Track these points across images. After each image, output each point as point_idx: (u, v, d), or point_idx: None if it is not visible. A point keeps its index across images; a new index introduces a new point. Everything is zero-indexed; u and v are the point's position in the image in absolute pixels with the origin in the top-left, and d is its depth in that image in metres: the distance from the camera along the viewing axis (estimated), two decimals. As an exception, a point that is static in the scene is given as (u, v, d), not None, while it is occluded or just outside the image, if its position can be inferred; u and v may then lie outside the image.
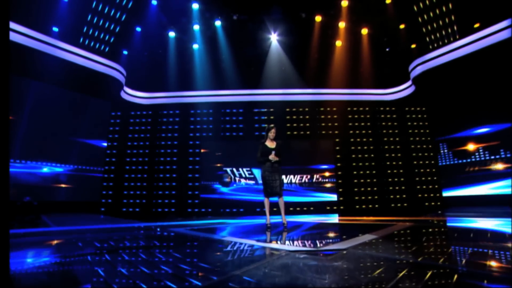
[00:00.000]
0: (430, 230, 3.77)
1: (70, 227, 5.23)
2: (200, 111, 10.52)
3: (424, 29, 8.79)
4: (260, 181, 8.77)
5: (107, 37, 8.81)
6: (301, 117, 10.69)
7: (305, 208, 9.96)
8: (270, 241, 3.11)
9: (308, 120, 10.62)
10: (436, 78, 9.36)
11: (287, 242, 2.99)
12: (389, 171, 10.31)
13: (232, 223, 6.15)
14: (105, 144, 9.78)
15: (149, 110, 10.41)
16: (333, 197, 10.10)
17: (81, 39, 8.34)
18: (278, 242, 3.02)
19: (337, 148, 10.56)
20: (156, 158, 10.14)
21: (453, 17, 8.60)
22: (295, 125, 10.61)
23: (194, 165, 10.24)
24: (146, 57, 9.89)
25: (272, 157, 4.54)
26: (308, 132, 10.55)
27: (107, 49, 8.85)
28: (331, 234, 3.88)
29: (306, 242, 3.07)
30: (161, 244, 3.04)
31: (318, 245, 2.74)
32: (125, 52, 9.49)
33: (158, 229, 4.72)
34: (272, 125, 4.81)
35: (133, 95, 10.40)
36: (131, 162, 10.08)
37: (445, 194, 9.22)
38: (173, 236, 3.85)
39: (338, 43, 9.27)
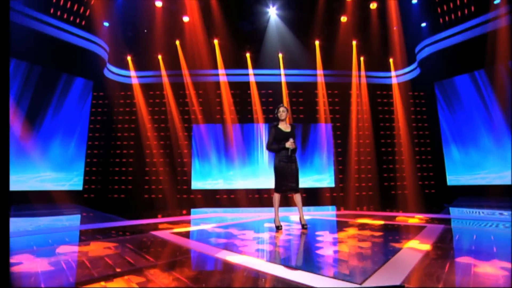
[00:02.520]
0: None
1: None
2: (192, 92, 9.36)
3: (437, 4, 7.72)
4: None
5: (82, 6, 7.46)
6: (300, 99, 9.67)
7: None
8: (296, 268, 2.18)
9: (306, 103, 9.60)
10: (444, 60, 8.44)
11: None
12: (390, 158, 9.51)
13: (228, 218, 5.29)
14: (87, 126, 8.63)
15: (137, 90, 9.21)
16: (331, 184, 9.33)
17: (53, 9, 7.00)
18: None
19: (338, 133, 9.67)
20: (147, 142, 9.05)
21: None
22: (294, 108, 9.60)
23: (185, 150, 9.24)
24: (130, 31, 8.58)
25: (290, 144, 3.64)
26: (303, 115, 9.54)
27: (84, 20, 7.52)
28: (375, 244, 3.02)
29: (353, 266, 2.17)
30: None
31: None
32: (106, 24, 8.15)
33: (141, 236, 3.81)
34: (281, 104, 3.86)
35: (119, 73, 9.17)
36: (115, 146, 8.98)
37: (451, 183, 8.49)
38: (151, 243, 2.95)
39: (343, 18, 8.13)
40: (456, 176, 8.38)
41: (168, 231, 3.85)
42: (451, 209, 6.16)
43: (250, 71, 9.41)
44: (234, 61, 9.25)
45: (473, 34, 7.84)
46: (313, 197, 8.91)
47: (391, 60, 9.65)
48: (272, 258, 2.45)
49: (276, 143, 3.70)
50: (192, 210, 7.74)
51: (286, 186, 3.64)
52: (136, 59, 9.11)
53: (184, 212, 7.67)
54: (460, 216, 5.07)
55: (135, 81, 9.20)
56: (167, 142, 9.13)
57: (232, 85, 9.37)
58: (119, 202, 8.66)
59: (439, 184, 8.73)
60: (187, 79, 9.28)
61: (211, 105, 9.32)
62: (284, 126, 3.81)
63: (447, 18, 8.14)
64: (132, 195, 8.78)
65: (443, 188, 8.60)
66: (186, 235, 3.71)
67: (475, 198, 7.56)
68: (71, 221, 5.37)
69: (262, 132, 9.51)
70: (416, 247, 2.62)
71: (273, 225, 3.87)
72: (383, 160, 9.53)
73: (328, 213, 6.30)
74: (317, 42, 8.98)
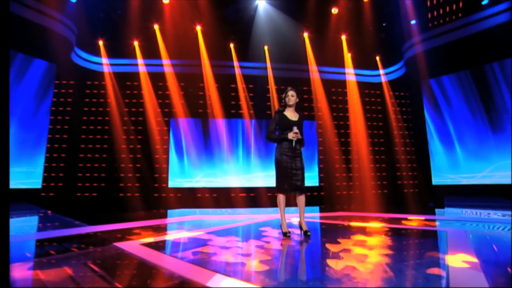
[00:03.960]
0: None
1: None
2: (170, 84, 8.42)
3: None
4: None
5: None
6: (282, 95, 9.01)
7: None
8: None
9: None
10: (432, 60, 8.17)
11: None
12: (371, 157, 9.11)
13: (213, 222, 4.52)
14: (49, 117, 7.44)
15: (110, 79, 8.12)
16: (314, 183, 8.79)
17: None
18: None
19: (319, 131, 9.14)
20: (121, 136, 7.99)
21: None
22: (268, 103, 8.90)
23: (163, 146, 8.30)
24: (102, 11, 7.51)
25: (293, 135, 2.97)
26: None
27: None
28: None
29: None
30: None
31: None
32: (73, 0, 7.04)
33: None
34: (290, 88, 3.17)
35: (89, 60, 8.05)
36: (84, 140, 7.86)
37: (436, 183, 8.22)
38: (110, 264, 2.14)
39: (334, 10, 7.59)
40: (441, 175, 8.13)
41: (138, 241, 3.04)
42: (444, 209, 5.80)
43: (235, 63, 8.64)
44: (220, 52, 8.43)
45: (462, 34, 7.61)
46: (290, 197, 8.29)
47: (377, 58, 9.28)
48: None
49: (278, 132, 3.01)
50: (169, 211, 6.87)
51: (289, 185, 2.96)
52: (109, 45, 8.04)
53: (161, 211, 6.81)
54: (460, 217, 4.64)
55: (107, 69, 8.13)
56: (143, 136, 8.14)
57: (217, 78, 8.55)
58: (86, 201, 7.58)
59: (424, 183, 8.44)
60: (167, 70, 8.34)
61: (192, 98, 8.45)
62: (291, 114, 3.13)
63: (436, 12, 7.85)
64: (102, 194, 7.72)
65: (428, 187, 8.32)
66: (162, 246, 2.92)
67: (461, 197, 7.31)
68: (18, 227, 4.35)
69: (249, 128, 8.80)
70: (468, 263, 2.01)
71: (273, 231, 3.19)
72: (368, 159, 9.12)
73: (314, 214, 5.69)
74: (306, 34, 8.38)
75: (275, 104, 8.76)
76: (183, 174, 8.34)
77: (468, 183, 7.51)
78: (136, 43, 8.14)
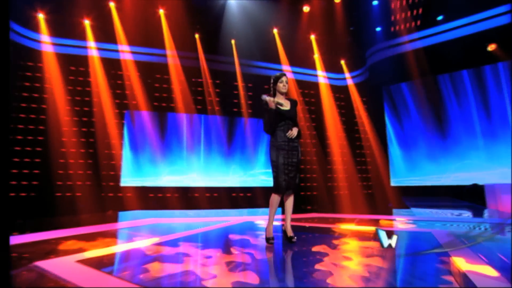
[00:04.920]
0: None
1: None
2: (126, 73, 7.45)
3: (393, 9, 7.55)
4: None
5: None
6: (249, 93, 8.59)
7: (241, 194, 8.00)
8: None
9: (254, 97, 8.57)
10: (393, 67, 8.42)
11: None
12: (334, 159, 9.12)
13: (176, 227, 3.85)
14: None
15: (51, 60, 6.88)
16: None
17: None
18: None
19: None
20: (62, 128, 6.79)
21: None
22: (235, 101, 8.42)
23: (116, 140, 7.28)
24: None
25: (291, 134, 2.62)
26: (251, 110, 8.51)
27: None
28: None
29: None
30: None
31: None
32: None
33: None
34: (282, 73, 2.72)
35: (26, 35, 6.72)
36: (15, 130, 6.51)
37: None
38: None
39: (306, 8, 7.36)
40: (399, 177, 8.39)
41: (73, 256, 2.30)
42: (410, 210, 5.85)
43: (201, 55, 7.98)
44: (186, 42, 7.70)
45: (420, 45, 7.94)
46: (261, 197, 7.92)
47: (343, 61, 9.34)
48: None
49: (275, 122, 2.57)
50: (121, 213, 5.98)
51: (287, 182, 2.58)
52: (52, 20, 6.81)
53: (110, 212, 5.90)
54: (428, 217, 4.62)
55: (48, 49, 6.87)
56: (91, 129, 7.04)
57: (181, 69, 7.79)
58: (18, 202, 6.26)
59: (383, 185, 8.64)
60: (124, 56, 7.36)
61: (153, 90, 7.58)
62: (283, 102, 2.68)
63: (398, 22, 8.08)
64: (39, 193, 6.46)
65: (386, 188, 8.53)
66: (108, 263, 2.24)
67: (417, 198, 7.58)
68: None
69: (214, 125, 8.20)
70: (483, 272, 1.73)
71: (247, 237, 2.69)
72: (328, 161, 9.08)
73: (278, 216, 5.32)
74: (275, 31, 8.06)
75: (242, 101, 8.29)
76: (139, 172, 7.43)
77: (422, 185, 7.82)
78: (86, 22, 7.03)
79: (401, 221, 4.35)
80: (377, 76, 8.87)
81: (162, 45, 7.55)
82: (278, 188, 2.57)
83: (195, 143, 8.04)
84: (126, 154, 7.37)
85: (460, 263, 1.96)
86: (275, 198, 2.60)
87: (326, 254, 2.31)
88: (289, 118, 2.61)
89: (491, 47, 7.23)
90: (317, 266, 1.97)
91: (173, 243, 2.85)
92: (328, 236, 3.18)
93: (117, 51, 7.31)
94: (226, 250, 2.55)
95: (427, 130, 8.01)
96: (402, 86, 8.54)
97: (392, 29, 8.17)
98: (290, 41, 8.27)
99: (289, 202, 2.64)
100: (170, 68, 7.68)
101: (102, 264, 2.17)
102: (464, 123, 7.44)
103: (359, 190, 8.73)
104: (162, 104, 7.74)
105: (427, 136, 7.99)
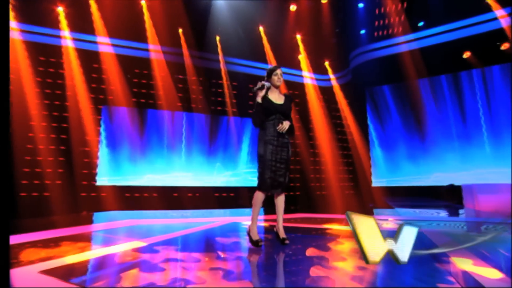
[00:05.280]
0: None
1: None
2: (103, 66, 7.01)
3: (377, 13, 7.65)
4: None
5: None
6: (234, 91, 8.41)
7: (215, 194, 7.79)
8: None
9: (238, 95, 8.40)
10: (375, 70, 8.55)
11: None
12: (317, 159, 9.13)
13: (152, 229, 3.59)
14: None
15: (18, 49, 6.31)
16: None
17: None
18: None
19: None
20: (29, 122, 6.25)
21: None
22: (219, 99, 8.22)
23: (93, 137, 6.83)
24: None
25: (281, 128, 2.44)
26: (235, 109, 8.33)
27: None
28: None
29: None
30: None
31: None
32: None
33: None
34: (277, 66, 2.56)
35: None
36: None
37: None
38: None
39: (293, 7, 7.29)
40: (381, 178, 8.53)
41: (38, 265, 2.02)
42: (395, 210, 5.92)
43: (186, 51, 7.69)
44: (169, 36, 7.39)
45: (402, 49, 8.11)
46: (245, 197, 7.74)
47: (327, 62, 9.38)
48: None
49: (265, 115, 2.41)
50: (97, 214, 5.58)
51: (273, 181, 2.39)
52: (21, 5, 6.25)
53: (84, 213, 5.51)
54: (415, 217, 4.66)
55: (16, 36, 6.30)
56: (62, 125, 6.54)
57: (166, 65, 7.47)
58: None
59: (366, 185, 8.74)
60: (103, 48, 6.93)
61: (133, 85, 7.20)
62: (276, 96, 2.56)
63: (382, 26, 8.22)
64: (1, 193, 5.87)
65: (368, 189, 8.64)
66: (79, 272, 1.97)
67: (398, 198, 7.71)
68: None
69: (202, 123, 7.95)
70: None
71: (236, 239, 2.51)
72: (310, 161, 9.06)
73: (262, 217, 5.19)
74: (261, 28, 7.93)
75: (227, 100, 8.10)
76: (117, 170, 7.02)
77: (403, 185, 7.99)
78: (60, 9, 6.53)
79: (389, 221, 4.35)
80: (360, 78, 8.98)
81: (144, 39, 7.20)
82: (262, 185, 2.39)
83: (177, 141, 7.74)
84: (103, 152, 6.93)
85: (461, 263, 1.91)
86: (259, 196, 2.42)
87: (322, 257, 2.18)
88: (281, 112, 2.46)
89: (466, 55, 7.53)
90: (314, 269, 1.84)
91: (154, 247, 2.61)
92: (319, 237, 3.07)
93: (94, 42, 6.87)
94: (215, 254, 2.36)
95: (407, 132, 8.21)
96: (384, 89, 8.71)
97: (376, 33, 8.30)
98: (276, 40, 8.18)
99: (280, 201, 2.49)
100: (152, 63, 7.34)
101: (71, 273, 1.91)
102: (441, 126, 7.69)
103: (341, 190, 8.78)
104: (141, 100, 7.37)
105: (407, 138, 8.19)
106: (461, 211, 5.22)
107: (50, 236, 3.13)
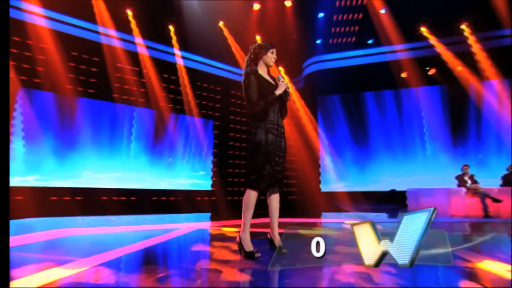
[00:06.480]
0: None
1: None
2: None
3: (335, 24, 8.04)
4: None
5: None
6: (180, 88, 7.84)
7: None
8: None
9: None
10: (327, 79, 8.98)
11: None
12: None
13: (84, 242, 2.85)
14: None
15: None
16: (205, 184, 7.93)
17: None
18: None
19: (216, 132, 8.43)
20: None
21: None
22: (171, 96, 7.59)
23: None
24: None
25: (284, 86, 2.09)
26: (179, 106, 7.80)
27: None
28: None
29: None
30: None
31: None
32: None
33: None
34: (271, 44, 2.21)
35: None
36: None
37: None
38: None
39: (256, 6, 7.13)
40: (329, 183, 8.89)
41: None
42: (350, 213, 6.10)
43: (138, 39, 6.88)
44: (119, 19, 6.50)
45: (353, 63, 8.70)
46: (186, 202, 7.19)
47: (281, 68, 9.47)
48: None
49: (268, 98, 2.03)
50: (12, 222, 4.32)
51: (271, 178, 2.02)
52: None
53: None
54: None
55: None
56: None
57: (109, 50, 6.50)
58: None
59: (314, 190, 8.99)
60: (34, 20, 5.68)
61: (65, 68, 6.04)
62: (268, 77, 2.18)
63: (335, 39, 8.67)
64: None
65: (317, 194, 8.89)
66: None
67: (344, 203, 8.08)
68: None
69: (148, 120, 7.10)
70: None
71: (212, 249, 2.06)
72: None
73: (207, 223, 4.81)
74: (221, 23, 7.57)
75: (183, 94, 7.50)
76: (37, 169, 5.73)
77: (349, 190, 8.45)
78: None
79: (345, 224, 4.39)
80: (312, 86, 9.31)
81: (88, 17, 6.19)
82: (258, 181, 1.99)
83: (116, 138, 6.77)
84: (17, 146, 5.57)
85: (461, 262, 1.89)
86: (252, 196, 2.01)
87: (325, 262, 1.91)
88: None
89: (404, 74, 8.45)
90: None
91: (98, 269, 1.86)
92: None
93: (28, 12, 5.59)
94: (200, 273, 1.89)
95: (354, 140, 8.77)
96: (334, 98, 9.18)
97: (331, 44, 8.72)
98: (235, 37, 7.91)
99: (275, 202, 2.10)
100: (96, 47, 6.35)
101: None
102: (383, 136, 8.43)
103: (289, 194, 8.86)
104: (78, 88, 6.22)
105: (353, 146, 8.74)
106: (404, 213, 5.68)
107: None
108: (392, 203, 6.87)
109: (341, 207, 7.64)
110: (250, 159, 2.06)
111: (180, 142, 7.69)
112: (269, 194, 2.11)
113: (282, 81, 2.10)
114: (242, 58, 8.41)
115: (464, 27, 7.50)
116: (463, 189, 5.53)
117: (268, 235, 2.14)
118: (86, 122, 6.34)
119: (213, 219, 5.50)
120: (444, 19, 7.42)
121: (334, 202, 8.19)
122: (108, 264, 1.93)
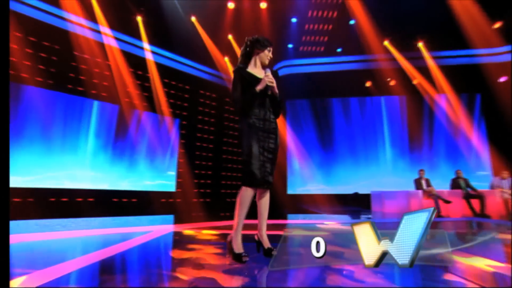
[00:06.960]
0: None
1: None
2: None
3: (306, 30, 8.24)
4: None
5: None
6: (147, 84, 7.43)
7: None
8: None
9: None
10: (296, 84, 9.17)
11: None
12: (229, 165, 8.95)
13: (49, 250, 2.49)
14: None
15: None
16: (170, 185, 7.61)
17: None
18: None
19: (183, 132, 8.13)
20: None
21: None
22: (137, 92, 7.16)
23: None
24: None
25: (268, 80, 2.01)
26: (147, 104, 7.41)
27: None
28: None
29: None
30: None
31: None
32: None
33: None
34: (269, 40, 2.15)
35: None
36: None
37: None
38: None
39: (231, 5, 7.02)
40: (295, 186, 9.04)
41: None
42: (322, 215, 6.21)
43: (106, 29, 6.34)
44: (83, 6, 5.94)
45: (320, 69, 9.00)
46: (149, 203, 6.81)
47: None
48: None
49: (250, 94, 1.94)
50: None
51: (263, 174, 1.93)
52: None
53: None
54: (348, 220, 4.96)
55: None
56: None
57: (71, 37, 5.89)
58: None
59: (280, 193, 9.06)
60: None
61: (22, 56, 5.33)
62: (259, 72, 2.08)
63: (305, 46, 8.89)
64: None
65: (283, 196, 8.98)
66: None
67: (310, 205, 8.27)
68: None
69: (109, 115, 6.54)
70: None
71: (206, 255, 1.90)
72: (223, 167, 8.81)
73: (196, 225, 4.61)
74: (193, 18, 7.32)
75: (150, 91, 7.07)
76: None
77: (315, 193, 8.68)
78: None
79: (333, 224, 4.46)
80: (281, 90, 9.40)
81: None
82: (251, 177, 1.89)
83: (71, 132, 6.14)
84: None
85: (461, 262, 1.95)
86: (247, 194, 1.92)
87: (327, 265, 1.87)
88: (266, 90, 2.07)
89: (368, 83, 8.99)
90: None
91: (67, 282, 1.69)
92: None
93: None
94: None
95: (320, 144, 9.06)
96: (303, 102, 9.41)
97: (301, 49, 8.93)
98: (207, 34, 7.72)
99: (264, 203, 2.03)
100: (56, 32, 5.71)
101: None
102: (348, 141, 8.84)
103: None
104: (21, 75, 5.49)
105: (320, 150, 9.02)
106: (368, 214, 5.96)
107: None
108: (357, 205, 7.22)
109: (307, 209, 7.79)
110: (241, 155, 1.98)
111: (144, 140, 7.24)
112: (257, 194, 2.02)
113: (266, 76, 2.03)
114: (214, 57, 8.21)
115: (420, 44, 8.23)
116: (420, 191, 6.01)
117: (256, 237, 2.04)
118: (34, 114, 5.63)
119: (177, 221, 5.24)
120: (404, 35, 8.05)
121: (300, 204, 8.34)
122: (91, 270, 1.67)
